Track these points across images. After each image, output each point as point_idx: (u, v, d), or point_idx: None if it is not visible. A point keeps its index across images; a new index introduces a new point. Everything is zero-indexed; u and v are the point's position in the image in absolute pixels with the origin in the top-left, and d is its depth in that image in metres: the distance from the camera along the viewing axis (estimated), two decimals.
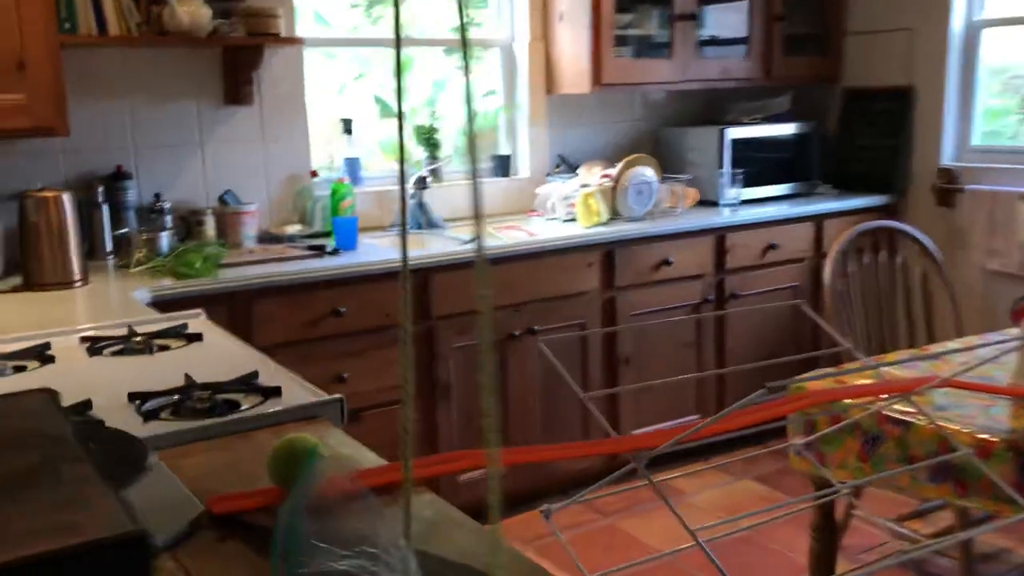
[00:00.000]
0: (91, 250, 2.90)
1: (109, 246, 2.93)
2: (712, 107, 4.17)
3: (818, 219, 3.80)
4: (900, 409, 1.85)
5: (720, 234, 3.57)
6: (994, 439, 1.71)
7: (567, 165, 3.68)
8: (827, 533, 2.13)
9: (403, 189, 0.84)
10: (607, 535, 3.11)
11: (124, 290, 2.50)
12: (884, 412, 1.85)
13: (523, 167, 3.84)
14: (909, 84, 3.94)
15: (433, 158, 3.60)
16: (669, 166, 3.91)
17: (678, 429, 1.40)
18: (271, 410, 1.37)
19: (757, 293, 3.69)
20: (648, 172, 3.47)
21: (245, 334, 2.66)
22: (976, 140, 3.85)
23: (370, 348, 2.86)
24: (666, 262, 3.43)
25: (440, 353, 3.00)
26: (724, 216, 3.61)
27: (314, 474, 0.89)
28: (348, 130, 3.42)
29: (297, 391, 1.49)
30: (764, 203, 3.84)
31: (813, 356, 1.73)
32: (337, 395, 1.45)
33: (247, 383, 1.52)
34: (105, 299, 2.47)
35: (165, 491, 1.10)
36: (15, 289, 2.52)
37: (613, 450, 1.31)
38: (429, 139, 3.59)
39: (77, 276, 2.56)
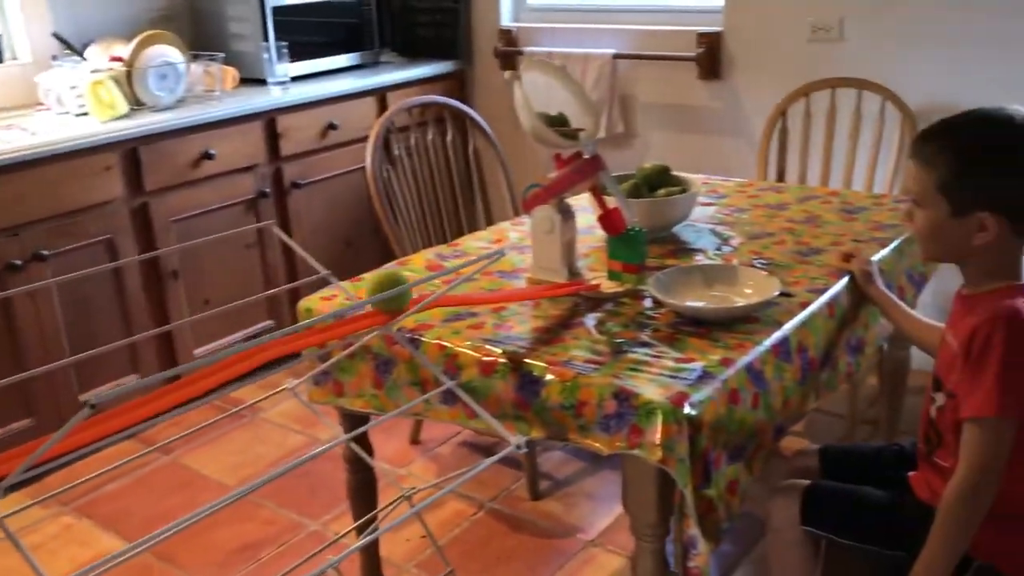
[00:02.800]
0: None
1: None
2: None
3: (381, 92, 3.52)
4: (408, 328, 1.64)
5: (270, 117, 3.17)
6: (496, 355, 1.54)
7: (68, 46, 3.04)
8: (362, 464, 1.93)
9: None
10: (169, 474, 2.75)
11: None
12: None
13: (22, 49, 3.14)
14: None
15: None
16: (208, 41, 3.40)
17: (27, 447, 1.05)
18: None
19: (322, 179, 3.38)
20: (170, 51, 2.95)
21: None
22: None
23: None
24: (207, 155, 2.99)
25: None
26: (273, 96, 3.20)
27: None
28: None
29: None
30: (323, 77, 3.48)
31: (294, 287, 1.49)
32: None
33: None
34: None
35: None
36: None
37: None
38: None
39: None
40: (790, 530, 1.63)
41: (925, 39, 2.82)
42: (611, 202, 1.78)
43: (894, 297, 1.81)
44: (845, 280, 1.80)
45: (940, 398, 1.50)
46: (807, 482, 1.66)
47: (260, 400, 1.34)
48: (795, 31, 3.03)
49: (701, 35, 3.20)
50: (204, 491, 2.64)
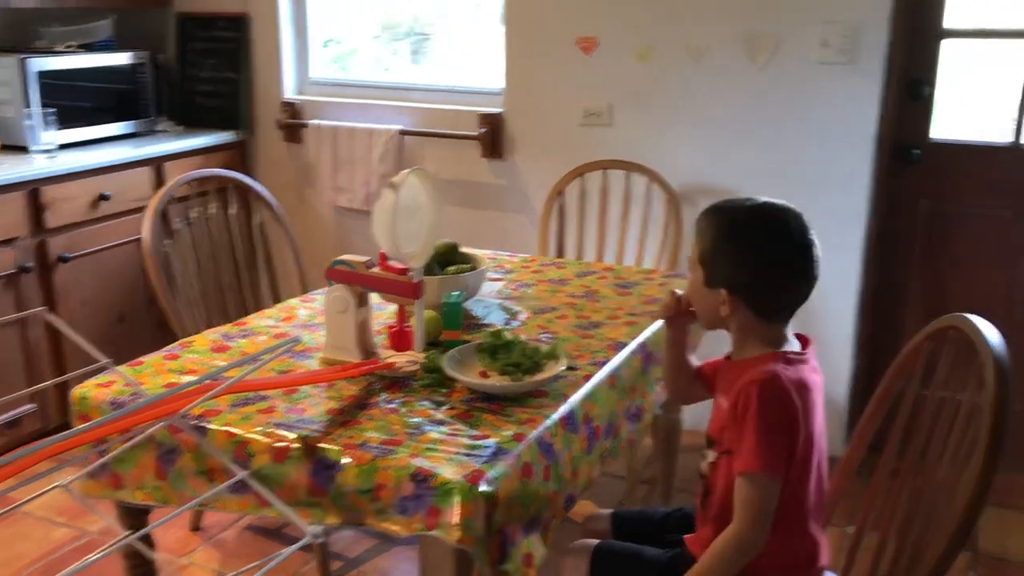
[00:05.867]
0: None
1: None
2: (16, 32, 3.47)
3: (158, 162, 3.39)
4: (194, 415, 1.58)
5: (34, 187, 2.97)
6: (288, 440, 1.52)
7: None
8: (142, 558, 1.82)
9: None
10: None
11: None
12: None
13: None
14: (244, 11, 3.68)
15: None
16: None
17: None
18: None
19: (92, 252, 3.19)
20: None
21: None
22: (319, 73, 3.76)
23: None
24: None
25: None
26: (37, 165, 3.01)
27: None
28: None
29: None
30: (94, 145, 3.31)
31: (67, 378, 1.40)
32: None
33: None
34: None
35: None
36: None
37: None
38: None
39: None
40: None
41: (683, 126, 3.08)
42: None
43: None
44: (625, 353, 1.91)
45: (711, 455, 1.62)
46: (596, 542, 1.73)
47: (30, 500, 1.24)
48: (569, 115, 3.23)
49: (483, 116, 3.34)
50: None
